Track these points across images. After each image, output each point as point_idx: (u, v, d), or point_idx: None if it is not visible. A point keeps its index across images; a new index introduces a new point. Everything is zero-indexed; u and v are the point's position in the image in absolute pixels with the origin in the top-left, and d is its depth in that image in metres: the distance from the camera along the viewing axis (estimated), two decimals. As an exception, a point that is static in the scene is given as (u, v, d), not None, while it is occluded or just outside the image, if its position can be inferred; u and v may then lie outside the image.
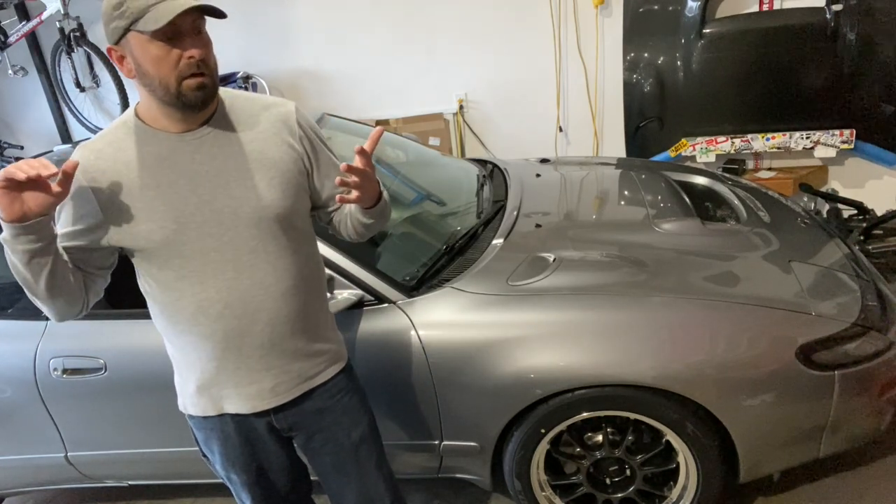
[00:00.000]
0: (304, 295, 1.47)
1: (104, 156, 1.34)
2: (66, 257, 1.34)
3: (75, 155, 1.36)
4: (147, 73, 1.26)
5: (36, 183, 1.19)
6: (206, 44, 1.28)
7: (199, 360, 1.45)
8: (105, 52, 4.23)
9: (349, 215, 1.51)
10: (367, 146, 1.33)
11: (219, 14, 1.26)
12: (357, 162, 1.33)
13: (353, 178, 1.33)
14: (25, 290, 1.33)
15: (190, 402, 1.53)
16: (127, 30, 1.24)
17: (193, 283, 1.38)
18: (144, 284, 1.45)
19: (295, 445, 1.64)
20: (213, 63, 1.30)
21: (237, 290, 1.39)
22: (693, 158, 3.99)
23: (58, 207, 1.37)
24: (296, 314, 1.46)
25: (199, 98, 1.28)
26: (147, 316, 1.54)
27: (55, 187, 1.20)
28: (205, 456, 1.63)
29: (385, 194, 1.50)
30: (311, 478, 1.73)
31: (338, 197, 1.36)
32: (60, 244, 1.35)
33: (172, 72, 1.25)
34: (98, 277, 1.43)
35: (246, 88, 4.53)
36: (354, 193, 1.36)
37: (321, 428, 1.56)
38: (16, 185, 1.18)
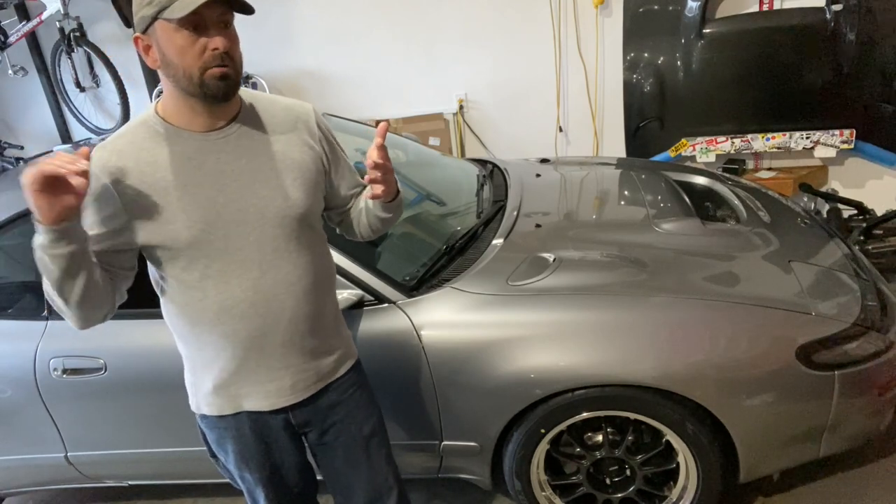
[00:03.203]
0: (321, 293, 1.50)
1: (125, 156, 1.33)
2: (95, 260, 1.33)
3: (93, 158, 1.33)
4: (171, 62, 1.27)
5: (63, 179, 1.14)
6: (232, 38, 1.30)
7: (218, 359, 1.46)
8: (104, 53, 4.27)
9: (366, 212, 1.55)
10: (379, 140, 1.37)
11: (247, 9, 1.28)
12: (377, 157, 1.37)
13: (377, 173, 1.38)
14: (55, 298, 1.28)
15: (205, 401, 1.52)
16: (154, 18, 1.24)
17: (218, 282, 1.38)
18: (162, 284, 1.44)
19: (306, 444, 1.65)
20: (238, 58, 1.31)
21: (262, 290, 1.40)
22: (693, 158, 3.99)
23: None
24: (314, 312, 1.49)
25: (220, 88, 1.28)
26: (147, 316, 1.54)
27: (77, 180, 1.14)
28: (214, 456, 1.64)
29: (400, 186, 1.53)
30: (318, 477, 1.74)
31: (365, 193, 1.44)
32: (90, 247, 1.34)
33: (197, 61, 1.25)
34: (124, 279, 1.42)
35: (246, 88, 4.52)
36: (380, 188, 1.40)
37: (335, 422, 1.59)
38: (52, 185, 1.14)
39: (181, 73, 1.27)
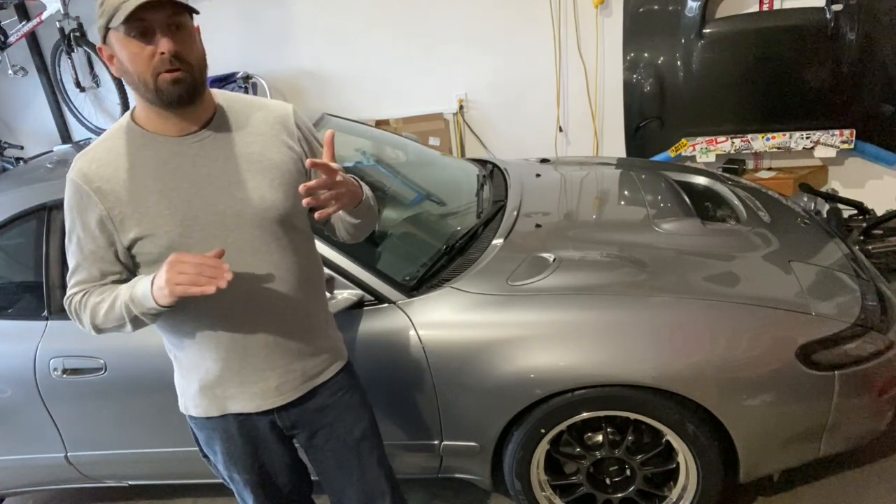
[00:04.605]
0: (305, 294, 1.48)
1: (105, 163, 1.35)
2: (118, 277, 1.40)
3: (75, 168, 1.36)
4: (127, 70, 1.27)
5: None
6: (184, 39, 1.27)
7: (202, 361, 1.46)
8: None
9: (339, 219, 1.51)
10: (326, 156, 1.28)
11: (187, 8, 1.25)
12: (322, 175, 1.26)
13: (322, 193, 1.27)
14: (105, 328, 1.39)
15: (192, 403, 1.53)
16: (107, 28, 1.25)
17: None
18: None
19: (297, 445, 1.64)
20: (196, 59, 1.29)
21: (241, 292, 1.39)
22: (693, 158, 3.99)
23: (74, 237, 1.38)
24: (298, 313, 1.47)
25: (175, 93, 1.27)
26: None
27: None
28: (205, 456, 1.63)
29: (367, 189, 1.47)
30: (312, 478, 1.73)
31: (316, 214, 1.31)
32: (111, 270, 1.39)
33: (147, 68, 1.25)
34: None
35: (246, 88, 4.52)
36: (332, 206, 1.30)
37: (323, 425, 1.57)
38: None
39: (137, 81, 1.27)
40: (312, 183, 1.25)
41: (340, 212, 1.44)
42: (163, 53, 1.23)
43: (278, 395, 1.50)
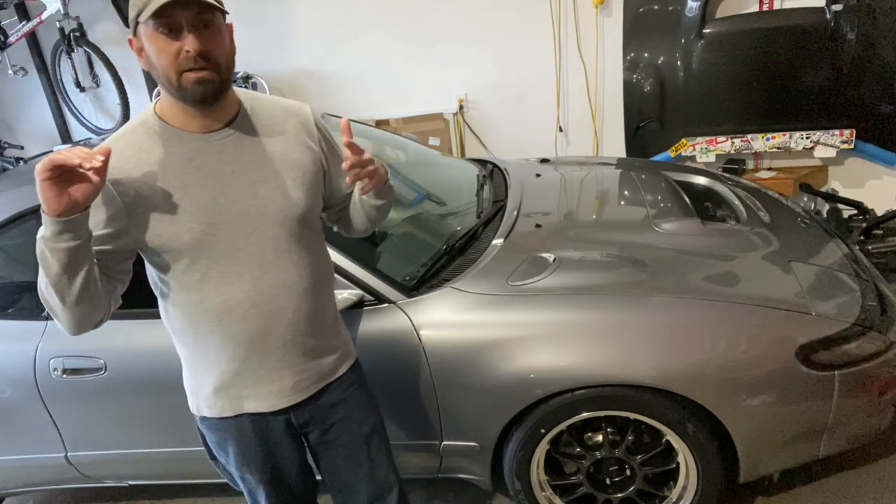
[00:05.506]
0: (319, 293, 1.51)
1: (126, 157, 1.33)
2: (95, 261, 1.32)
3: None
4: (153, 65, 1.27)
5: (76, 173, 1.14)
6: (212, 38, 1.27)
7: (219, 360, 1.45)
8: (104, 53, 4.27)
9: (360, 203, 1.54)
10: (347, 139, 1.33)
11: (215, 7, 1.25)
12: (353, 154, 1.33)
13: (357, 170, 1.35)
14: (50, 297, 1.27)
15: (205, 403, 1.52)
16: (137, 21, 1.25)
17: (219, 283, 1.38)
18: (162, 287, 1.44)
19: (306, 444, 1.65)
20: (222, 58, 1.29)
21: (262, 290, 1.40)
22: (693, 158, 3.99)
23: None
24: (314, 312, 1.49)
25: (198, 92, 1.27)
26: (147, 316, 1.54)
27: (94, 175, 1.14)
28: (213, 458, 1.63)
29: (386, 166, 1.53)
30: (317, 477, 1.74)
31: (361, 190, 1.42)
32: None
33: (173, 64, 1.25)
34: (120, 283, 1.40)
35: (245, 88, 4.52)
36: (368, 183, 1.40)
37: (335, 421, 1.59)
38: (64, 176, 1.13)
39: (162, 76, 1.27)
40: (353, 159, 1.32)
41: (364, 196, 1.50)
42: (188, 51, 1.23)
43: (294, 394, 1.51)
